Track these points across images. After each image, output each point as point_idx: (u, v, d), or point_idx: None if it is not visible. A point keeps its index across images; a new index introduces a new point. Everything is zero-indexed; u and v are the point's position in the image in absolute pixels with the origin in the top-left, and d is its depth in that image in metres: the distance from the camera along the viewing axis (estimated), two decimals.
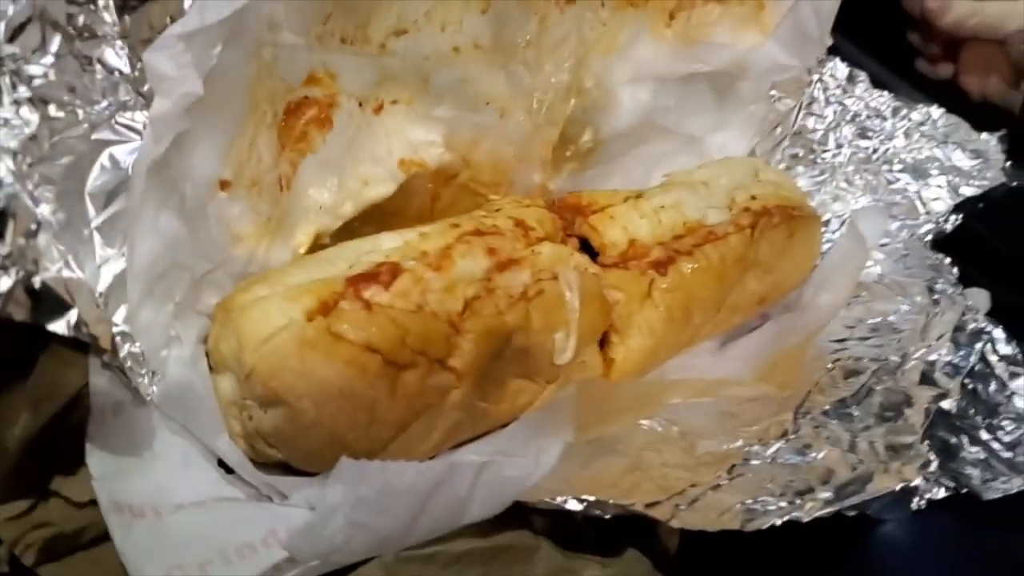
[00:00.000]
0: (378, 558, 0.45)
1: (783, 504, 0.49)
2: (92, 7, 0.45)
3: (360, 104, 0.58)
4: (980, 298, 0.67)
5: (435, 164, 0.61)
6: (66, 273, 0.43)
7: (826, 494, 0.50)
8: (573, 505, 0.48)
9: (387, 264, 0.50)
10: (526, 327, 0.53)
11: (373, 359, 0.47)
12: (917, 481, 0.51)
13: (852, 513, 0.50)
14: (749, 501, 0.50)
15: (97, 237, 0.46)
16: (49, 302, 0.43)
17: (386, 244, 0.52)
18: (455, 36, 0.60)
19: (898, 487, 0.50)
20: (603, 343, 0.59)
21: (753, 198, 0.65)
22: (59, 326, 0.43)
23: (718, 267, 0.62)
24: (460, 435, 0.54)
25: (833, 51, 0.77)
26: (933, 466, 0.52)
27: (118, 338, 0.47)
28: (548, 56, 0.64)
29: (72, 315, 0.43)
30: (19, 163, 0.42)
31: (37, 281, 0.42)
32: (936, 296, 0.66)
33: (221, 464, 0.50)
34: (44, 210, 0.43)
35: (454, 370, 0.51)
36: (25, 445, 0.47)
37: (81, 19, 0.45)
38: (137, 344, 0.48)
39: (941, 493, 0.51)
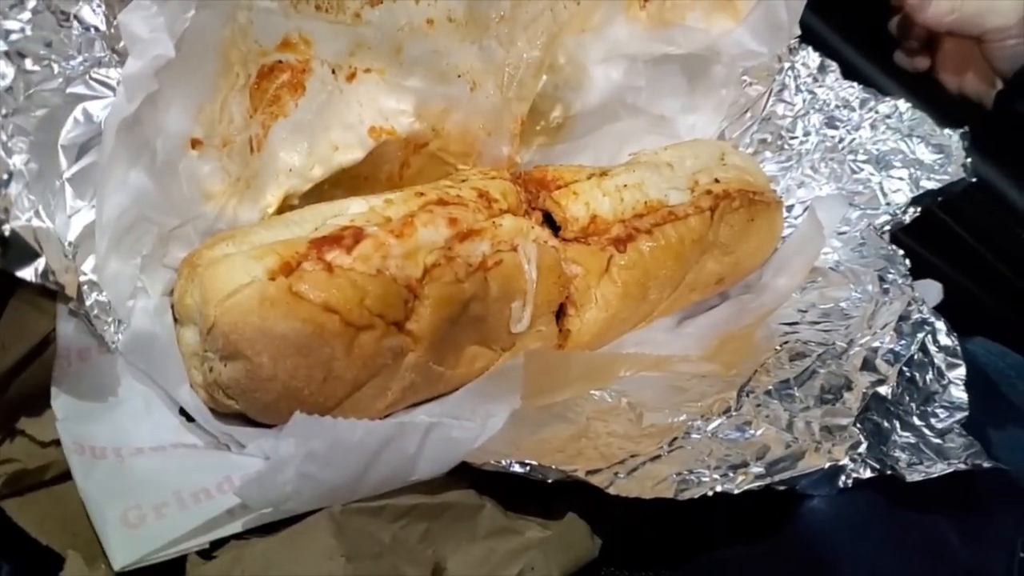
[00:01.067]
0: (327, 509, 0.48)
1: (716, 476, 0.52)
2: None
3: (333, 71, 0.60)
4: (931, 290, 0.70)
5: (405, 133, 0.63)
6: (36, 222, 0.45)
7: (758, 469, 0.52)
8: (517, 468, 0.51)
9: (351, 228, 0.52)
10: (483, 296, 0.56)
11: (331, 319, 0.49)
12: (845, 461, 0.53)
13: (781, 488, 0.52)
14: (685, 472, 0.52)
15: (68, 188, 0.48)
16: (18, 249, 0.44)
17: (352, 209, 0.55)
18: (429, 8, 0.62)
19: (827, 465, 0.53)
20: (560, 315, 0.62)
21: (716, 181, 0.67)
22: (27, 273, 0.45)
23: (676, 247, 0.64)
24: (415, 396, 0.57)
25: (808, 37, 0.79)
26: (862, 448, 0.54)
27: (85, 287, 0.49)
28: (521, 32, 0.66)
29: (40, 263, 0.45)
30: None
31: (7, 229, 0.44)
32: (887, 286, 0.68)
33: (182, 412, 0.53)
34: (17, 160, 0.45)
35: (411, 333, 0.53)
36: None
37: None
38: (104, 293, 0.50)
39: (867, 473, 0.53)
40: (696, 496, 0.51)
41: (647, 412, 0.57)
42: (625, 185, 0.64)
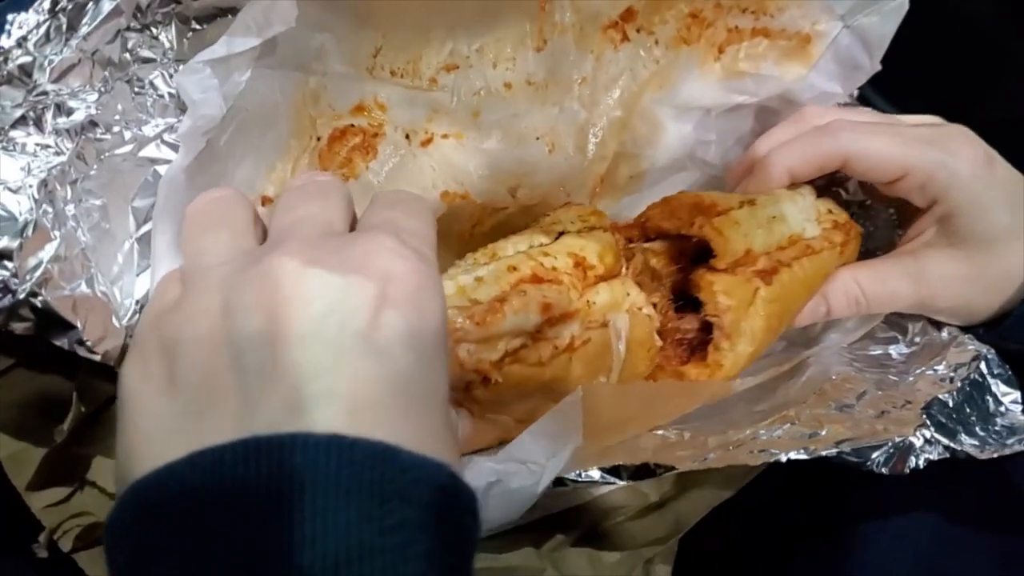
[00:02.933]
0: None
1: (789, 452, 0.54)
2: (153, 31, 0.49)
3: (407, 136, 0.61)
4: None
5: (479, 196, 0.63)
6: (82, 290, 0.47)
7: (829, 448, 0.55)
8: (595, 474, 0.53)
9: None
10: (565, 376, 0.53)
11: None
12: (914, 438, 0.56)
13: (853, 460, 0.55)
14: (757, 451, 0.54)
15: (137, 248, 0.50)
16: (53, 320, 0.46)
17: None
18: (507, 73, 0.62)
19: (897, 438, 0.55)
20: (705, 347, 0.60)
21: (830, 212, 0.65)
22: (63, 342, 0.46)
23: (811, 279, 0.62)
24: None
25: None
26: (930, 432, 0.56)
27: None
28: (603, 93, 0.66)
29: (77, 333, 0.46)
30: (49, 187, 0.46)
31: (40, 300, 0.45)
32: (934, 334, 0.66)
33: None
34: (72, 227, 0.46)
35: (473, 399, 0.52)
36: (72, 435, 0.52)
37: (139, 45, 0.49)
38: None
39: (937, 455, 0.56)
40: (770, 461, 0.54)
41: (710, 436, 0.57)
42: (774, 217, 0.62)
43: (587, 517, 0.62)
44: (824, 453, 0.54)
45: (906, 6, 0.64)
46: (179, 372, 0.32)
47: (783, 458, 0.54)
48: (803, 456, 0.54)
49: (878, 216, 0.72)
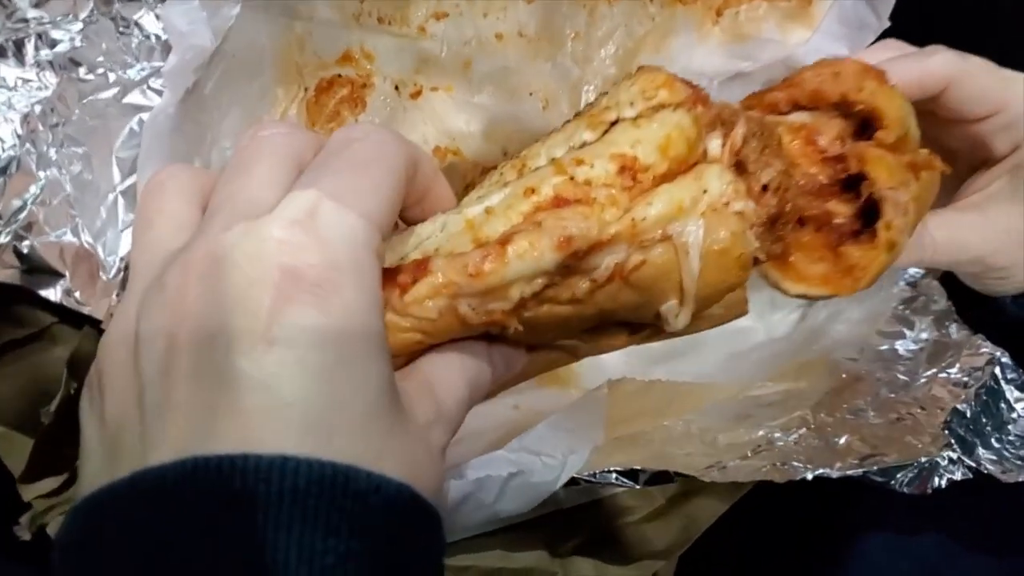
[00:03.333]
0: None
1: (810, 466, 0.53)
2: None
3: (397, 88, 0.58)
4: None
5: (473, 154, 0.61)
6: (68, 238, 0.44)
7: (853, 461, 0.54)
8: (605, 477, 0.52)
9: (415, 261, 0.41)
10: (614, 307, 0.42)
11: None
12: (939, 459, 0.55)
13: (878, 479, 0.54)
14: (779, 463, 0.53)
15: (121, 201, 0.47)
16: (39, 268, 0.43)
17: (437, 226, 0.42)
18: (498, 23, 0.60)
19: (923, 459, 0.54)
20: (858, 235, 0.51)
21: None
22: (50, 293, 0.44)
23: (926, 198, 0.54)
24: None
25: None
26: (955, 453, 0.56)
27: None
28: (596, 49, 0.64)
29: (65, 282, 0.44)
30: (31, 125, 0.43)
31: (26, 245, 0.43)
32: (943, 331, 0.65)
33: None
34: (56, 173, 0.44)
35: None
36: (59, 420, 0.49)
37: None
38: None
39: (960, 475, 0.55)
40: (797, 478, 0.52)
41: (721, 434, 0.55)
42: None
43: (597, 516, 0.61)
44: (851, 473, 0.53)
45: None
46: (107, 396, 0.31)
47: (809, 476, 0.53)
48: (831, 474, 0.53)
49: None
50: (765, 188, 0.44)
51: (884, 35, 0.65)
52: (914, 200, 0.49)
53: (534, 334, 0.42)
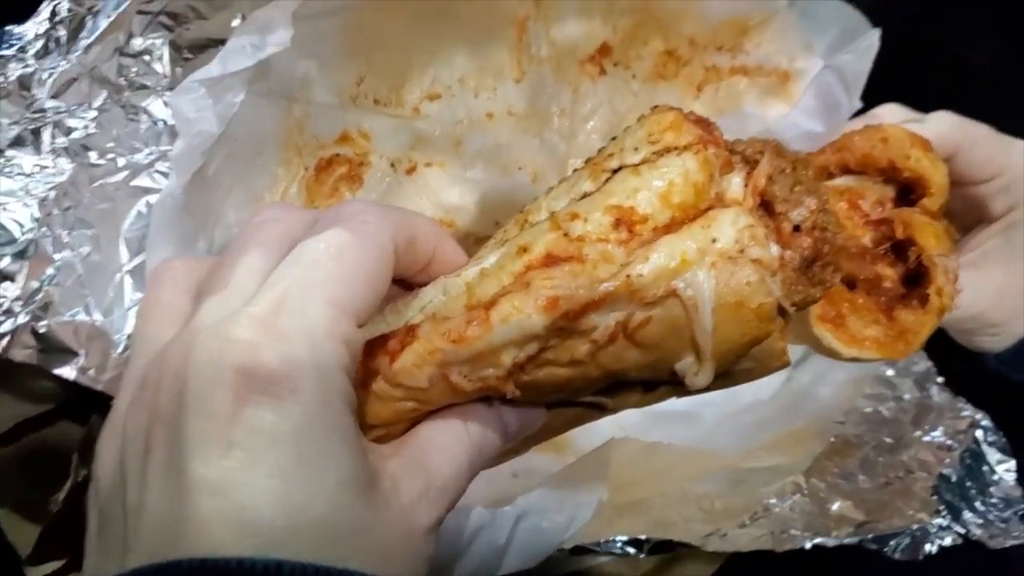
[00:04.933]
0: None
1: (808, 534, 0.55)
2: (146, 58, 0.49)
3: (392, 165, 0.61)
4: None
5: (467, 226, 0.63)
6: (81, 317, 0.46)
7: (848, 528, 0.56)
8: (610, 546, 0.53)
9: (404, 327, 0.39)
10: (622, 368, 0.40)
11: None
12: (930, 524, 0.57)
13: (872, 547, 0.56)
14: (777, 531, 0.55)
15: (128, 281, 0.49)
16: (56, 347, 0.45)
17: (438, 290, 0.40)
18: (489, 103, 0.64)
19: (914, 526, 0.56)
20: (901, 300, 0.52)
21: None
22: (66, 371, 0.45)
23: None
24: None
25: None
26: (943, 518, 0.58)
27: None
28: (581, 125, 0.68)
29: (79, 361, 0.46)
30: (47, 209, 0.45)
31: (43, 325, 0.45)
32: (925, 392, 0.67)
33: None
34: (69, 255, 0.46)
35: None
36: (66, 507, 0.50)
37: (133, 71, 0.49)
38: None
39: (950, 541, 0.57)
40: (796, 547, 0.54)
41: (717, 500, 0.57)
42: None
43: None
44: (847, 542, 0.55)
45: (877, 44, 0.66)
46: (101, 493, 0.32)
47: (807, 545, 0.55)
48: (828, 543, 0.55)
49: None
50: (797, 228, 0.40)
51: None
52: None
53: (539, 396, 0.40)
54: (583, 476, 0.53)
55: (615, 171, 0.40)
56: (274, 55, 0.52)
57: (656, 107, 0.41)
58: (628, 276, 0.37)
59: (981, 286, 0.59)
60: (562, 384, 0.39)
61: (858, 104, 0.66)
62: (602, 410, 0.43)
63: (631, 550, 0.55)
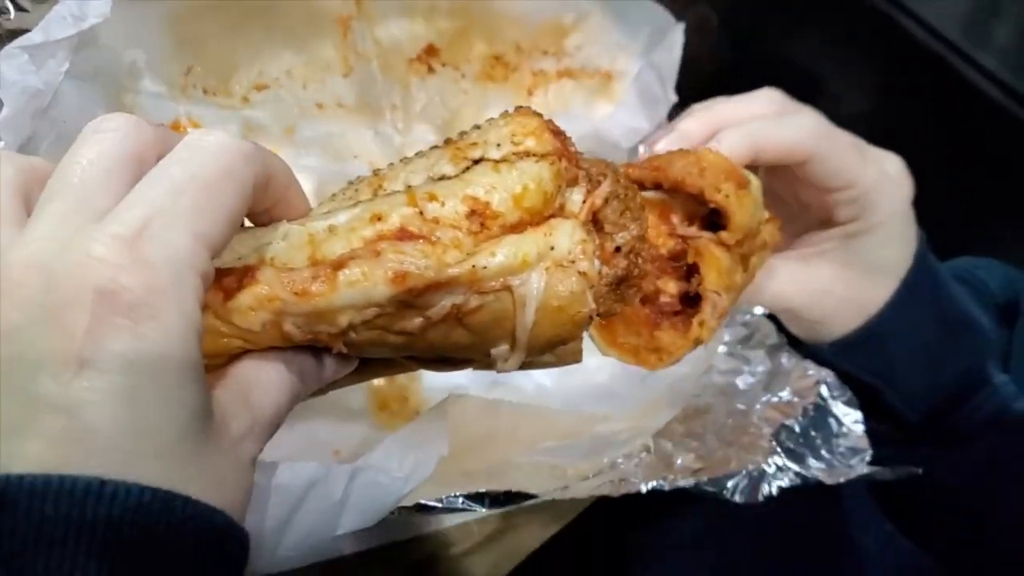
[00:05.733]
0: None
1: (648, 484, 0.57)
2: None
3: None
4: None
5: None
6: None
7: (685, 478, 0.58)
8: (452, 502, 0.53)
9: (243, 267, 0.40)
10: (446, 345, 0.43)
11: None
12: (767, 466, 0.59)
13: (709, 489, 0.57)
14: (616, 480, 0.56)
15: None
16: None
17: (278, 235, 0.40)
18: (318, 94, 0.67)
19: (750, 467, 0.59)
20: (677, 315, 0.56)
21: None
22: None
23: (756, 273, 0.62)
24: None
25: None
26: (782, 459, 0.60)
27: None
28: (416, 120, 0.71)
29: None
30: None
31: None
32: (776, 364, 0.70)
33: None
34: None
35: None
36: None
37: None
38: None
39: (787, 482, 0.59)
40: (632, 491, 0.55)
41: (570, 467, 0.58)
42: (760, 202, 0.59)
43: (426, 548, 0.64)
44: (682, 484, 0.57)
45: (681, 37, 0.72)
46: None
47: (643, 488, 0.56)
48: (663, 486, 0.57)
49: None
50: (618, 249, 0.46)
51: None
52: (734, 290, 0.55)
53: (359, 353, 0.43)
54: (422, 433, 0.53)
55: (476, 161, 0.43)
56: (102, 43, 0.55)
57: (520, 108, 0.45)
58: (474, 266, 0.40)
59: (803, 283, 0.62)
60: (386, 348, 0.42)
61: (674, 97, 0.71)
62: (409, 368, 0.46)
63: (473, 505, 0.54)
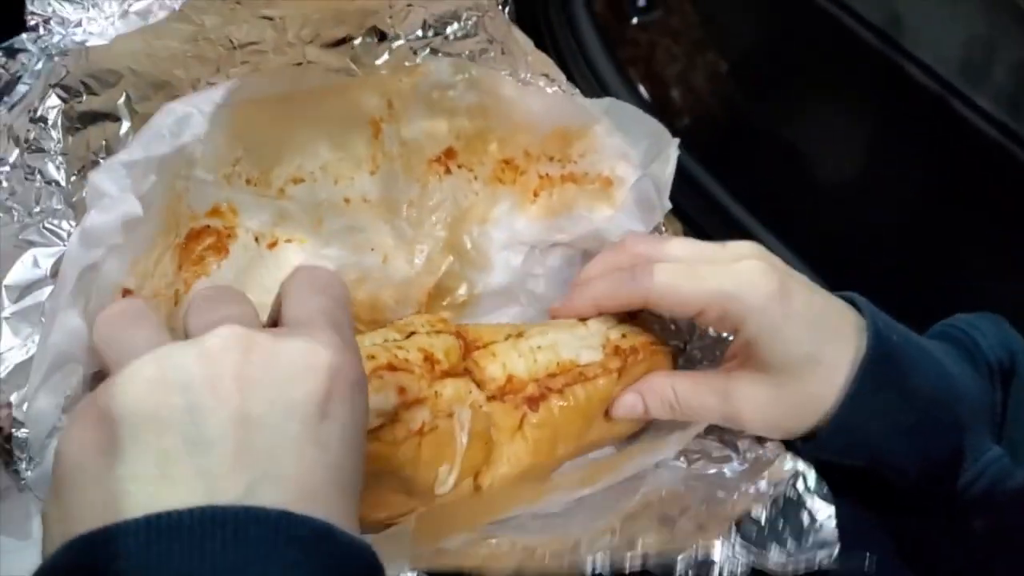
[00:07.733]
0: None
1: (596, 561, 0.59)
2: (43, 125, 0.56)
3: (256, 239, 0.69)
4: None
5: None
6: None
7: (640, 561, 0.59)
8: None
9: None
10: (415, 460, 0.60)
11: None
12: (717, 555, 0.61)
13: (659, 573, 0.59)
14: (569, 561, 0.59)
15: (5, 327, 0.54)
16: None
17: None
18: (347, 189, 0.73)
19: (700, 554, 0.60)
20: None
21: (624, 336, 0.73)
22: None
23: (584, 405, 0.69)
24: None
25: None
26: (734, 547, 0.61)
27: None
28: (428, 215, 0.77)
29: None
30: None
31: None
32: (762, 451, 0.72)
33: None
34: None
35: None
36: None
37: (33, 134, 0.56)
38: (24, 430, 0.55)
39: (739, 569, 0.60)
40: (576, 573, 0.58)
41: (539, 547, 0.61)
42: (539, 347, 0.70)
43: None
44: (635, 567, 0.59)
45: (676, 153, 0.79)
46: (122, 438, 0.35)
47: (587, 568, 0.58)
48: (607, 566, 0.58)
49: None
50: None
51: None
52: (537, 427, 0.67)
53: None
54: (386, 552, 0.57)
55: (411, 334, 0.65)
56: None
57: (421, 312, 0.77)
58: (435, 391, 0.61)
59: (729, 392, 0.67)
60: (378, 460, 0.57)
61: (668, 205, 0.78)
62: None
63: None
